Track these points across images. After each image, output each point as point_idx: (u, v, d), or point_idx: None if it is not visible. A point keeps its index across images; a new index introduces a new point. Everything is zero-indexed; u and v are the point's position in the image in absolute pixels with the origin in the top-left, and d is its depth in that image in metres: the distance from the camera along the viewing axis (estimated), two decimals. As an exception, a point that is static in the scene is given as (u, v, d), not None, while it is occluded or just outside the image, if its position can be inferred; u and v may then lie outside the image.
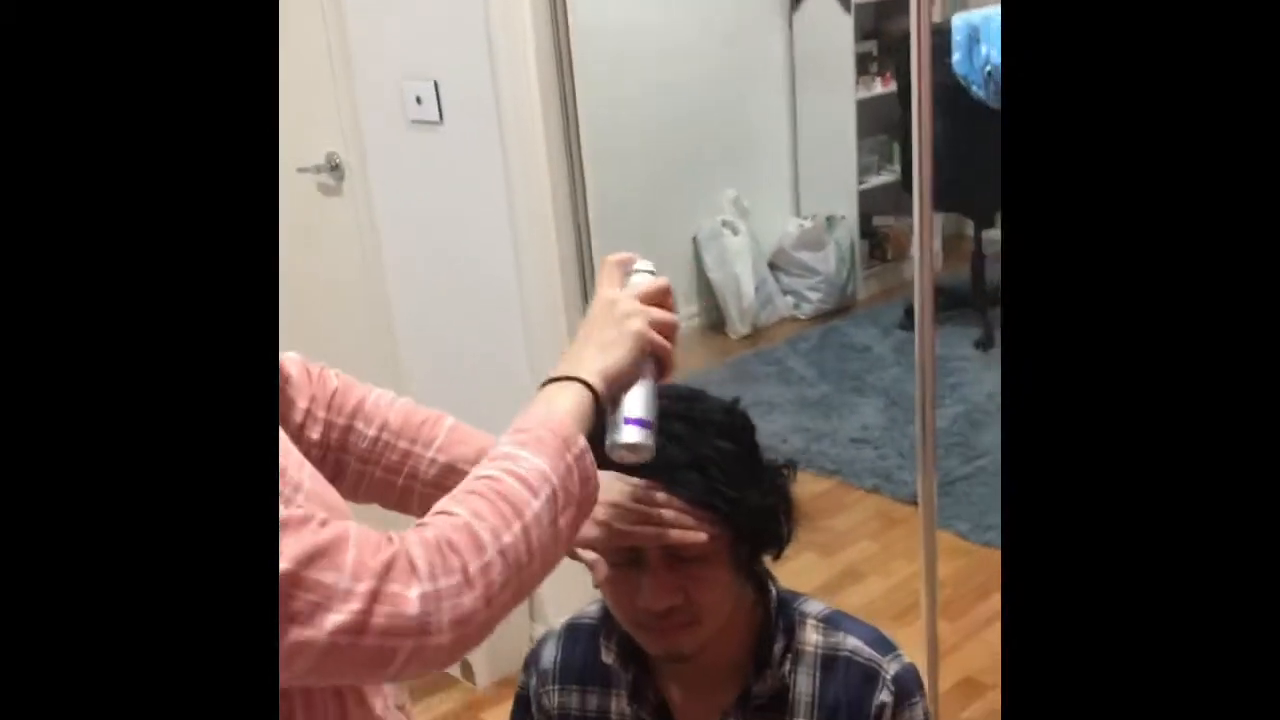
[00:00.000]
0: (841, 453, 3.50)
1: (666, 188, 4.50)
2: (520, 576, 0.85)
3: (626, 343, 0.97)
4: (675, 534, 1.06)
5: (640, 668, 1.20)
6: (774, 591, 1.21)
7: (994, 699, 2.40)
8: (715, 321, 4.73)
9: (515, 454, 0.88)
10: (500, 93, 2.26)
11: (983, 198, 4.14)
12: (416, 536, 0.81)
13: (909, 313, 4.44)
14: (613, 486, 1.06)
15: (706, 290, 4.72)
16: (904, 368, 4.10)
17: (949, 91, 3.66)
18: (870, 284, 4.93)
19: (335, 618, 0.75)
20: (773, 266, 4.80)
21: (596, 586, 1.14)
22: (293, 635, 0.74)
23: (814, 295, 4.73)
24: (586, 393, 0.94)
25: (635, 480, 1.07)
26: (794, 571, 2.84)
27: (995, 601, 2.75)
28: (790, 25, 4.79)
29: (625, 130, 4.20)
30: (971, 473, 3.27)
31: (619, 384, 0.97)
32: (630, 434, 0.98)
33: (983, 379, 3.92)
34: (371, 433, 1.08)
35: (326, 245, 2.80)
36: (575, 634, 1.29)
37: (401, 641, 0.78)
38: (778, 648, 1.17)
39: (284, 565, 0.73)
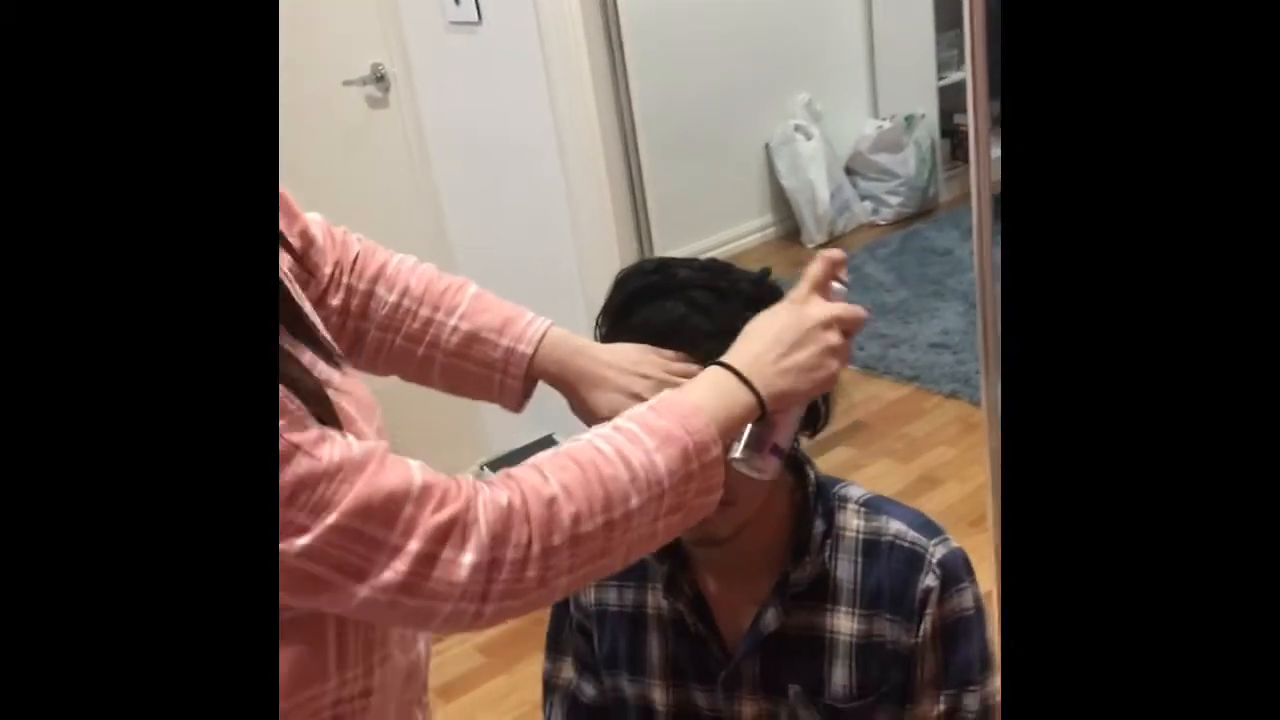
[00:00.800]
0: (920, 358, 3.39)
1: (734, 92, 4.36)
2: (590, 568, 0.79)
3: (817, 377, 0.89)
4: None
5: (675, 559, 1.15)
6: (813, 475, 1.15)
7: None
8: (790, 231, 4.61)
9: (640, 438, 0.80)
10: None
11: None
12: (490, 496, 0.75)
13: (995, 212, 4.26)
14: (643, 359, 1.00)
15: (781, 199, 4.59)
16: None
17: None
18: (952, 185, 4.73)
19: (382, 576, 0.72)
20: (849, 171, 4.64)
21: None
22: (335, 587, 0.71)
23: (893, 199, 4.56)
24: (753, 405, 0.86)
25: (667, 353, 1.01)
26: (870, 477, 2.79)
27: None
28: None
29: (684, 31, 4.07)
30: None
31: (784, 409, 0.90)
32: (770, 466, 0.92)
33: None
34: (392, 299, 1.03)
35: (377, 158, 2.75)
36: None
37: (442, 605, 0.74)
38: (817, 533, 1.12)
39: (334, 518, 0.69)
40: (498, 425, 2.80)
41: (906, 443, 3.00)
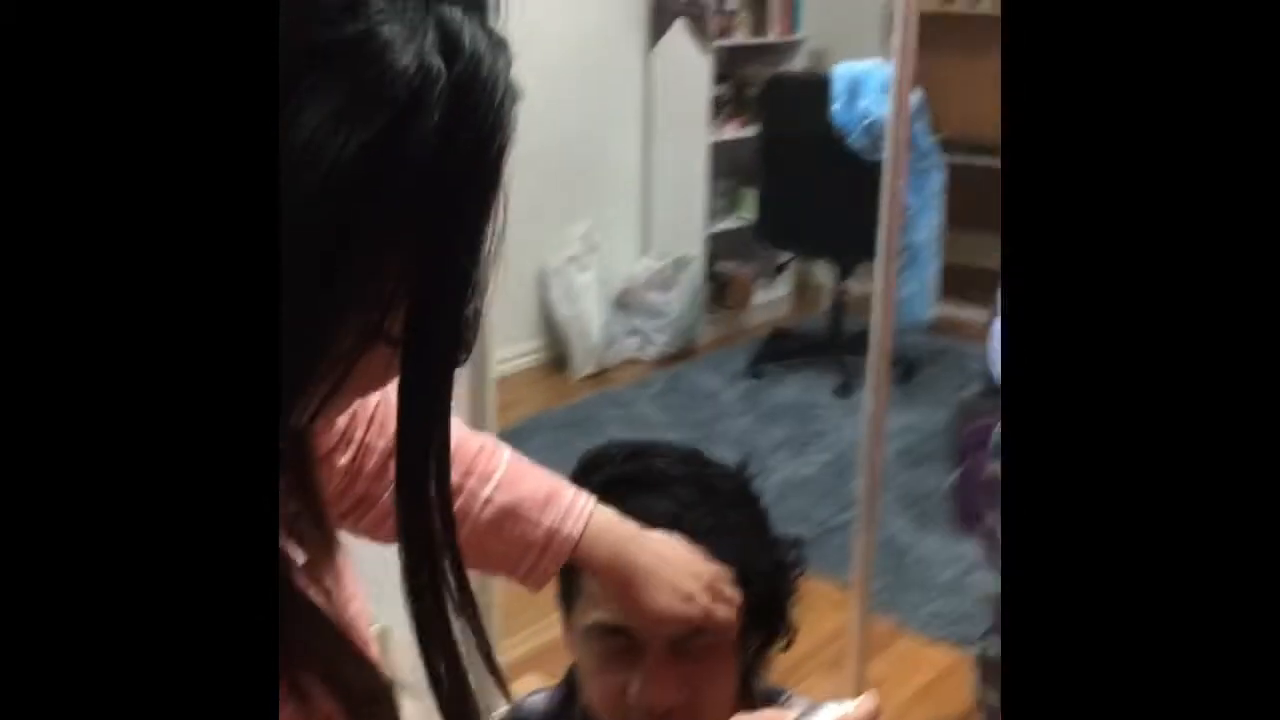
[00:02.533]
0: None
1: (514, 219, 4.29)
2: None
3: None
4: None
5: None
6: (758, 686, 1.06)
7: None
8: (556, 358, 4.55)
9: None
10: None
11: (845, 246, 4.14)
12: None
13: (755, 360, 4.39)
14: (694, 556, 0.93)
15: (549, 327, 4.54)
16: (752, 417, 4.03)
17: (825, 141, 3.64)
18: (713, 329, 4.85)
19: None
20: (620, 305, 4.66)
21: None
22: None
23: (660, 338, 4.61)
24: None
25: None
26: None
27: (867, 670, 2.66)
28: (647, 63, 4.69)
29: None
30: (846, 521, 3.20)
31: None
32: None
33: (845, 426, 3.88)
34: None
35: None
36: None
37: None
38: None
39: None
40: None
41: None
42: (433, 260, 0.49)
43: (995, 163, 4.49)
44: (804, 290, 5.33)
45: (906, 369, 4.34)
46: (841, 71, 3.62)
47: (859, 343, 4.43)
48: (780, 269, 4.85)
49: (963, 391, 3.76)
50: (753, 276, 5.01)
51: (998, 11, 4.55)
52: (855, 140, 3.51)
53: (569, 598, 0.99)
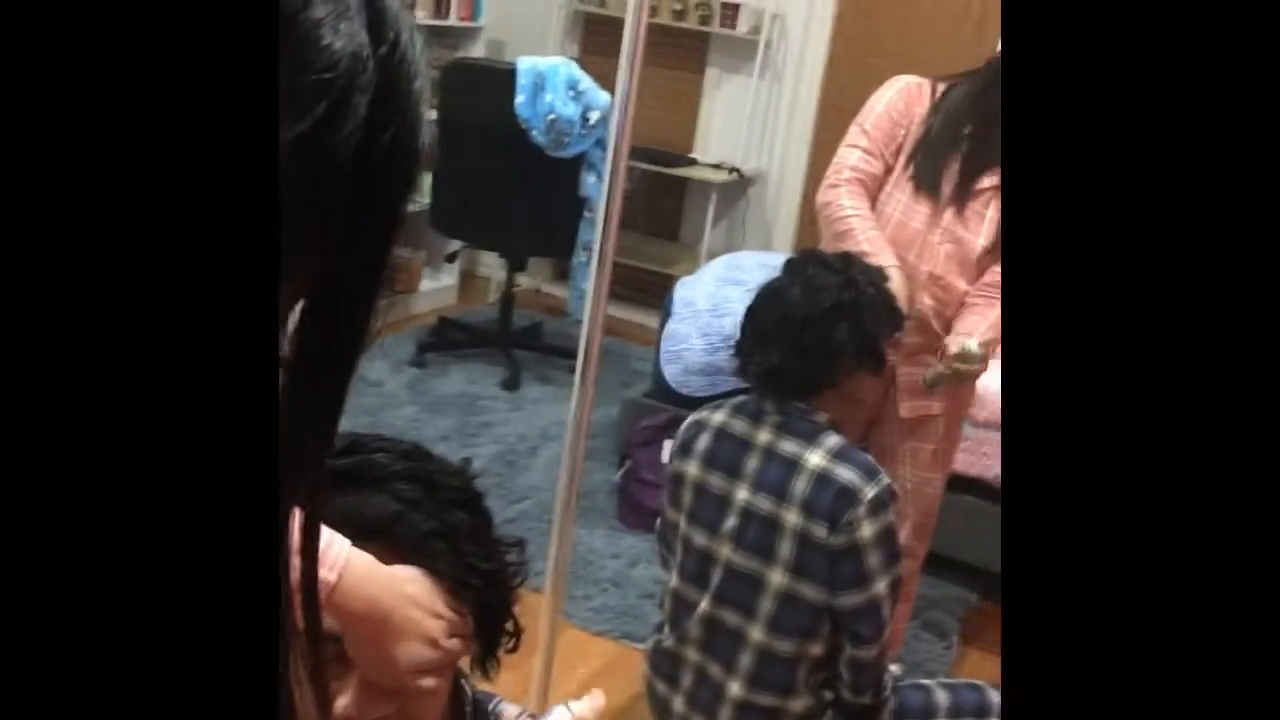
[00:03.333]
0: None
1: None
2: None
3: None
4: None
5: None
6: (469, 692, 1.05)
7: None
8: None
9: None
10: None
11: (520, 240, 4.14)
12: None
13: (421, 348, 4.32)
14: (436, 601, 0.91)
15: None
16: (419, 406, 3.96)
17: (506, 133, 3.62)
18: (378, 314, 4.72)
19: None
20: (279, 285, 4.44)
21: None
22: None
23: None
24: None
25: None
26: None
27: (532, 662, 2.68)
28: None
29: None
30: (515, 516, 3.20)
31: None
32: None
33: (512, 419, 3.88)
34: None
35: None
36: None
37: None
38: None
39: None
40: None
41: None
42: (345, 258, 0.44)
43: (672, 171, 4.67)
44: (471, 280, 5.30)
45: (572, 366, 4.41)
46: (526, 66, 3.61)
47: (527, 336, 4.51)
48: (451, 257, 4.79)
49: (627, 391, 3.90)
50: (422, 262, 4.92)
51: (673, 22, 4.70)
52: (539, 136, 3.53)
53: None
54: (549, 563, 1.88)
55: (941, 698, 1.97)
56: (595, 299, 1.72)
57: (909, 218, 2.16)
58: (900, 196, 2.17)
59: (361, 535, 0.89)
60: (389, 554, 0.91)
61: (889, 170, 2.19)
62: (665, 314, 3.35)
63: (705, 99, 4.92)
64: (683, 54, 4.84)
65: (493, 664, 1.01)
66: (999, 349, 2.09)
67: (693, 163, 4.80)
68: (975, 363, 2.05)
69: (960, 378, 2.11)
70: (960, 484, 2.84)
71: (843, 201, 2.14)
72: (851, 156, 2.17)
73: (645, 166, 4.54)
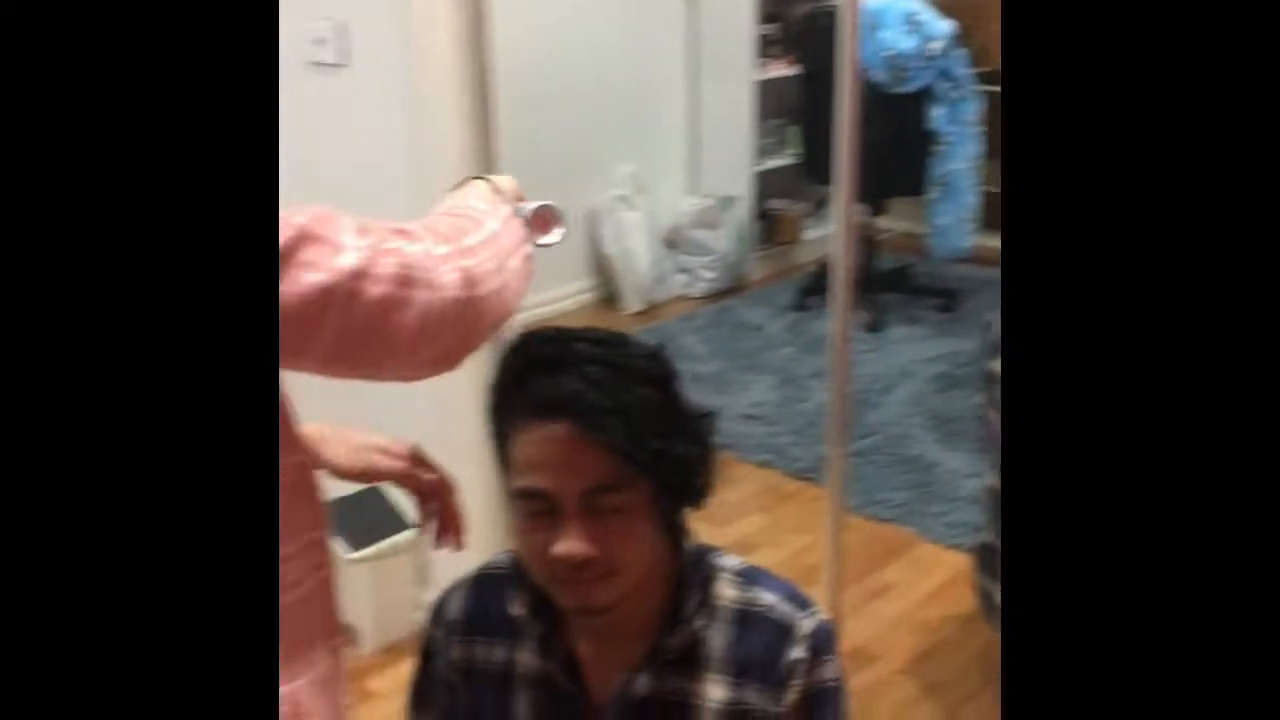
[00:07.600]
0: (733, 428, 3.52)
1: (563, 161, 4.45)
2: (501, 277, 0.99)
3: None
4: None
5: (550, 621, 1.17)
6: (688, 545, 1.19)
7: (882, 668, 2.45)
8: (607, 297, 4.71)
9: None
10: (411, 40, 2.21)
11: (876, 184, 4.19)
12: (403, 238, 0.91)
13: (802, 293, 4.49)
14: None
15: (600, 265, 4.70)
16: (797, 347, 4.15)
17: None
18: (763, 265, 4.96)
19: (344, 259, 0.84)
20: (668, 244, 4.80)
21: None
22: (306, 280, 0.81)
23: (708, 274, 4.74)
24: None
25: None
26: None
27: (883, 575, 2.80)
28: (690, 2, 4.79)
29: (521, 100, 4.14)
30: (860, 450, 3.32)
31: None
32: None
33: (869, 360, 3.98)
34: None
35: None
36: (483, 584, 1.26)
37: (412, 292, 0.88)
38: (692, 602, 1.15)
39: (288, 233, 0.80)
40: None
41: (722, 509, 3.10)
42: None
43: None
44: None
45: (947, 300, 4.41)
46: (862, 5, 3.65)
47: (890, 280, 4.54)
48: (823, 205, 4.92)
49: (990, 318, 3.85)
50: (801, 214, 5.10)
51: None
52: (875, 74, 3.58)
53: (504, 467, 1.12)
54: (830, 468, 2.01)
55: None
56: (844, 232, 1.84)
57: None
58: None
59: (549, 411, 1.05)
60: (571, 428, 1.04)
61: None
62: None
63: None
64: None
65: (674, 517, 1.15)
66: None
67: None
68: None
69: None
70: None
71: None
72: None
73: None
